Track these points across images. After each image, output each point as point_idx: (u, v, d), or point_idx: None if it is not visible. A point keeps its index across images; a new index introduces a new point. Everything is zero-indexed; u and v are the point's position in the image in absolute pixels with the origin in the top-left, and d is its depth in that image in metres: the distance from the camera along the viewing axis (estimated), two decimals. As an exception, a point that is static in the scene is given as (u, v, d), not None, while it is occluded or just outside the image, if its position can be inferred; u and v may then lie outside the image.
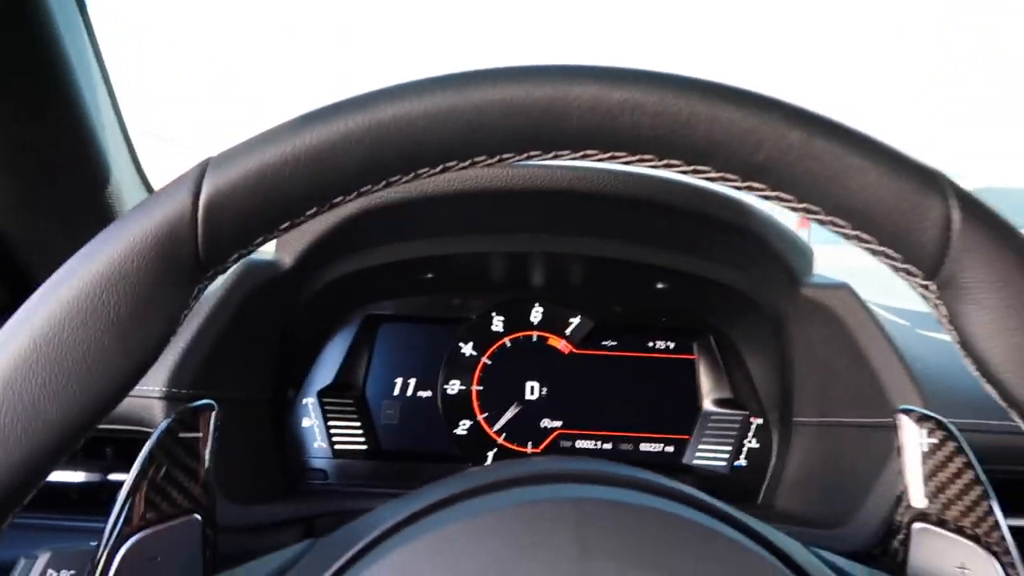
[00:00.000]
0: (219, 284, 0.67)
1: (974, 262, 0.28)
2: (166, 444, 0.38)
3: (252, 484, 0.71)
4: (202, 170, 0.29)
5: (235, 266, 0.64)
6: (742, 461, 0.81)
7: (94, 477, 0.66)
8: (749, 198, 0.64)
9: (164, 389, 0.62)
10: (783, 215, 0.66)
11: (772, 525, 0.68)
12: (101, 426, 0.66)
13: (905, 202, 0.28)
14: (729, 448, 0.82)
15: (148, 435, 0.64)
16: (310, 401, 0.82)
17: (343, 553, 0.29)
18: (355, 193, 0.29)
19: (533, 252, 0.78)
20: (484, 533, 0.28)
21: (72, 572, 0.43)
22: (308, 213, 0.29)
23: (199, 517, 0.39)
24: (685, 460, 0.83)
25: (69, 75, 0.70)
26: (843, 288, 0.67)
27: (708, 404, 0.84)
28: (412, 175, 0.29)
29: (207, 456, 0.39)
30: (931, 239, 0.28)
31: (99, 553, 0.37)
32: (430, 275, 0.81)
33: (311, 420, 0.82)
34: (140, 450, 0.67)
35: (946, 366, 0.65)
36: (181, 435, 0.39)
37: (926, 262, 0.28)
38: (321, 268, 0.74)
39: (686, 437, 0.83)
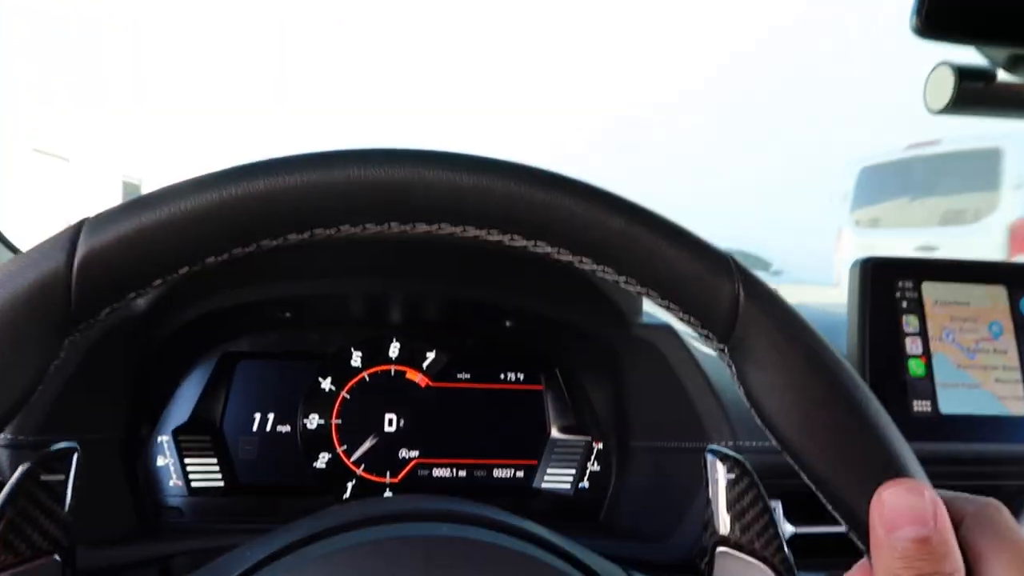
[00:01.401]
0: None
1: (754, 332, 0.34)
2: (26, 486, 0.39)
3: (105, 526, 0.70)
4: (77, 230, 0.31)
5: None
6: (585, 483, 0.88)
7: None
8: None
9: (9, 437, 0.61)
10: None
11: (609, 542, 0.74)
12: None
13: (702, 281, 0.34)
14: (573, 471, 0.89)
15: (-11, 483, 0.62)
16: (164, 439, 0.82)
17: None
18: (226, 254, 0.32)
19: (391, 293, 0.82)
20: (340, 571, 0.31)
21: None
22: (180, 271, 0.32)
23: (58, 558, 0.39)
24: (534, 484, 0.89)
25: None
26: (667, 328, 0.76)
27: (555, 431, 0.90)
28: (281, 240, 0.33)
29: (68, 497, 0.40)
30: (723, 312, 0.34)
31: None
32: (288, 314, 0.83)
33: (166, 458, 0.82)
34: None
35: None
36: (43, 478, 0.39)
37: (719, 330, 0.35)
38: (176, 310, 0.75)
39: (535, 462, 0.89)
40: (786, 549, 0.46)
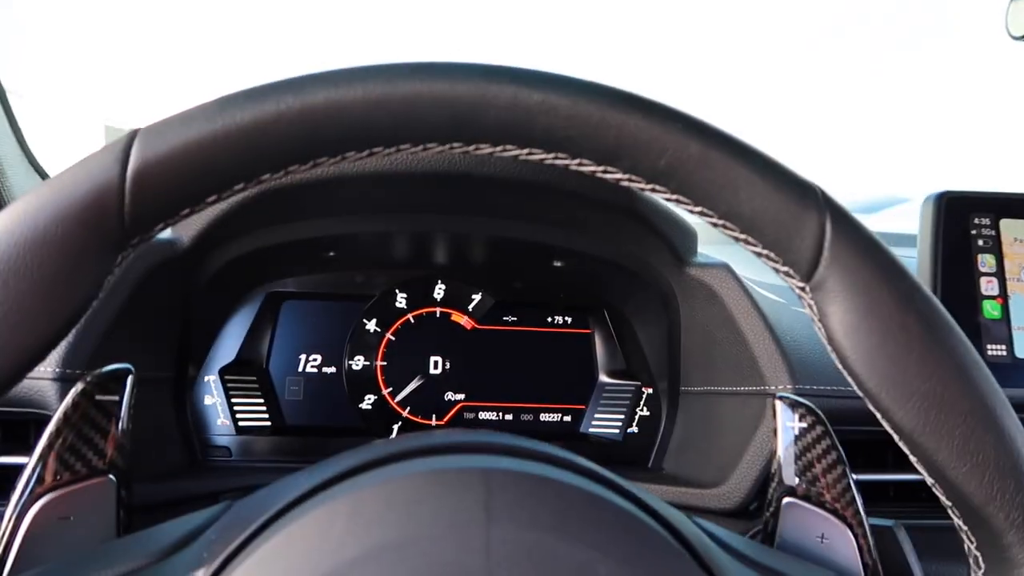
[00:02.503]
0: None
1: (841, 270, 0.31)
2: (81, 405, 0.39)
3: (154, 462, 0.70)
4: (130, 140, 0.29)
5: None
6: (634, 428, 0.87)
7: (-18, 460, 0.65)
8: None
9: (58, 370, 0.61)
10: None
11: (660, 488, 0.73)
12: (-8, 408, 0.64)
13: (786, 212, 0.31)
14: (622, 417, 0.87)
15: (40, 417, 0.63)
16: (211, 379, 0.82)
17: (259, 515, 0.30)
18: (282, 171, 0.31)
19: (435, 232, 0.80)
20: (396, 498, 0.29)
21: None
22: (235, 188, 0.30)
23: (113, 478, 0.39)
24: (582, 429, 0.87)
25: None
26: (723, 268, 0.72)
27: (603, 375, 0.88)
28: (339, 158, 0.31)
29: (124, 418, 0.40)
30: (807, 248, 0.31)
31: (9, 512, 0.37)
32: (332, 253, 0.82)
33: (213, 398, 0.82)
34: (32, 432, 0.66)
35: (813, 338, 0.71)
36: (98, 398, 0.39)
37: (802, 267, 0.32)
38: (221, 247, 0.74)
39: (582, 407, 0.88)
40: (859, 500, 0.44)
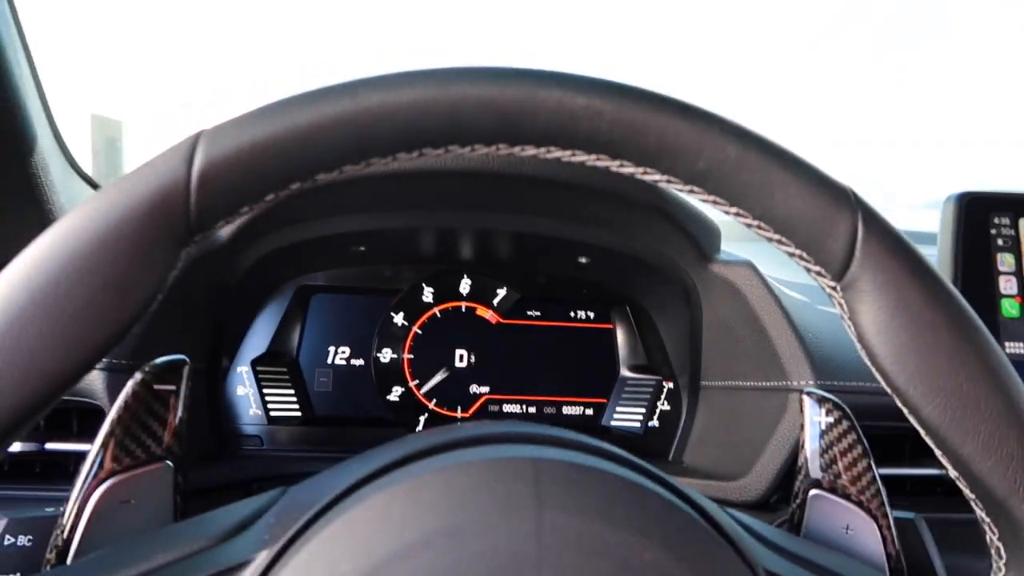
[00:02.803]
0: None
1: (872, 269, 0.32)
2: (140, 395, 0.41)
3: (189, 448, 0.73)
4: (195, 141, 0.31)
5: None
6: (655, 422, 0.88)
7: (30, 447, 0.67)
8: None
9: (105, 360, 0.63)
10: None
11: (680, 481, 0.74)
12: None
13: (820, 214, 0.32)
14: (643, 410, 0.88)
15: (85, 405, 0.65)
16: (244, 370, 0.84)
17: (318, 500, 0.32)
18: (337, 171, 0.32)
19: (462, 227, 0.81)
20: (452, 485, 0.31)
21: (30, 537, 0.45)
22: (292, 188, 0.32)
23: (171, 464, 0.41)
24: (603, 422, 0.89)
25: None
26: (747, 265, 0.74)
27: (625, 370, 0.90)
28: (391, 158, 0.32)
29: (180, 407, 0.42)
30: (839, 248, 0.32)
31: (74, 496, 0.39)
32: (362, 248, 0.84)
33: (245, 388, 0.84)
34: (74, 420, 0.68)
35: (835, 335, 0.72)
36: (156, 387, 0.41)
37: (834, 267, 0.33)
38: (255, 242, 0.76)
39: (604, 401, 0.89)
40: (883, 494, 0.45)
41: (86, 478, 0.40)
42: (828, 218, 0.33)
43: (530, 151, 0.33)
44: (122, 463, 0.41)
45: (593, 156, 0.33)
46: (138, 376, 0.42)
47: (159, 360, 0.43)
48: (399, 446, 0.34)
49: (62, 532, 0.40)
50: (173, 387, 0.42)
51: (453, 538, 0.29)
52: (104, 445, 0.41)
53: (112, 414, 0.41)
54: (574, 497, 0.31)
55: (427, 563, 0.29)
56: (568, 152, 0.33)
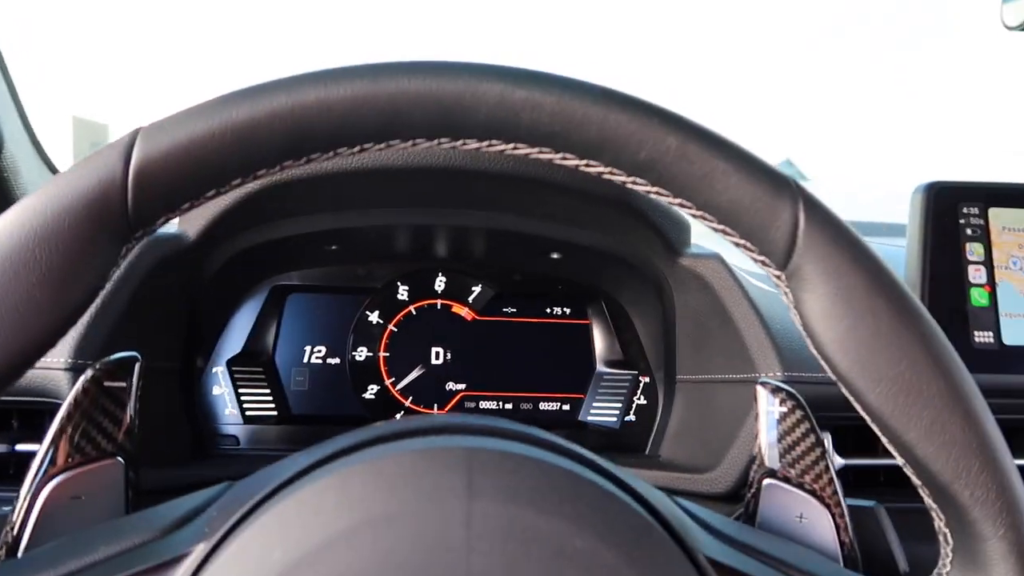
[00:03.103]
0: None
1: (814, 258, 0.32)
2: (91, 391, 0.41)
3: (165, 450, 0.73)
4: (133, 138, 0.31)
5: None
6: (631, 417, 0.88)
7: (1, 448, 0.67)
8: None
9: (70, 360, 0.63)
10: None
11: (655, 474, 0.74)
12: (7, 397, 0.67)
13: (761, 203, 0.32)
14: (619, 405, 0.89)
15: (54, 406, 0.65)
16: (219, 369, 0.84)
17: (256, 493, 0.32)
18: (278, 167, 0.32)
19: (436, 225, 0.82)
20: (384, 475, 0.31)
21: (-15, 535, 0.45)
22: (233, 183, 0.32)
23: (122, 460, 0.41)
24: (580, 417, 0.89)
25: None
26: (715, 258, 0.74)
27: (601, 365, 0.90)
28: (332, 153, 0.32)
29: (131, 403, 0.42)
30: (782, 236, 0.32)
31: (24, 491, 0.39)
32: (335, 247, 0.84)
33: (221, 388, 0.84)
34: (46, 421, 0.69)
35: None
36: (106, 384, 0.41)
37: (777, 256, 0.33)
38: (226, 241, 0.76)
39: (581, 396, 0.89)
40: (836, 482, 0.45)
41: (35, 475, 0.40)
42: (770, 207, 0.33)
43: (472, 145, 0.33)
44: (73, 459, 0.41)
45: (535, 149, 0.33)
46: (88, 373, 0.42)
47: (111, 357, 0.43)
48: (338, 441, 0.34)
49: (11, 529, 0.40)
50: (124, 384, 0.42)
51: (382, 526, 0.29)
52: (54, 442, 0.41)
53: (62, 411, 0.41)
54: (505, 485, 0.31)
55: (357, 551, 0.29)
56: (510, 145, 0.33)
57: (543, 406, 0.89)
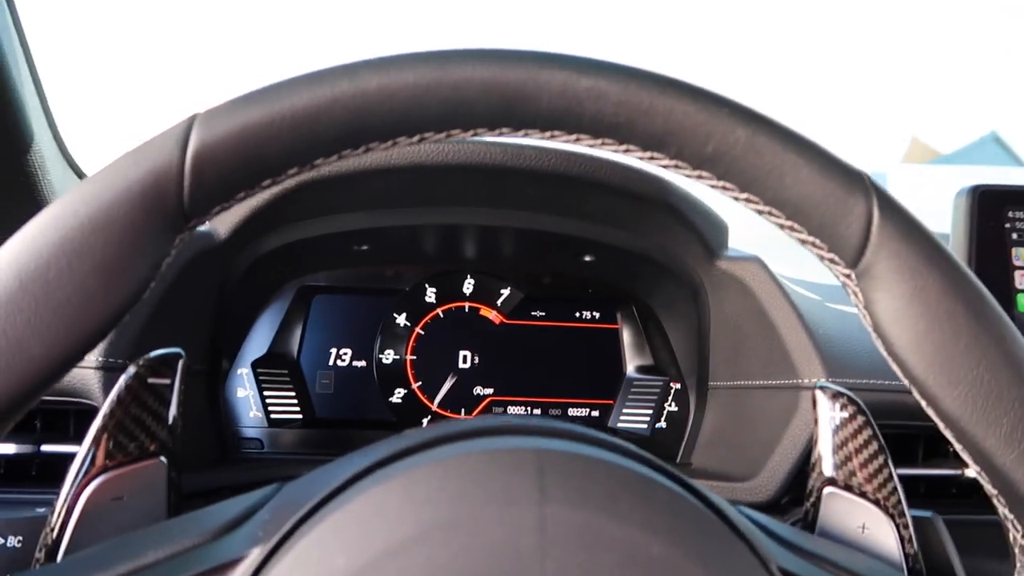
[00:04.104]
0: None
1: (889, 256, 0.31)
2: (134, 388, 0.39)
3: (188, 452, 0.71)
4: (189, 124, 0.30)
5: None
6: (662, 423, 0.87)
7: (26, 449, 0.66)
8: (669, 174, 0.68)
9: (101, 359, 0.62)
10: (701, 192, 0.70)
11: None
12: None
13: (832, 199, 0.31)
14: (650, 412, 0.87)
15: (80, 406, 0.64)
16: (244, 372, 0.83)
17: (313, 495, 0.31)
18: (335, 156, 0.31)
19: (465, 225, 0.80)
20: (450, 477, 0.30)
21: (20, 538, 0.44)
22: (290, 172, 0.31)
23: (164, 460, 0.40)
24: (610, 423, 0.87)
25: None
26: (755, 261, 0.72)
27: (631, 371, 0.88)
28: (391, 143, 0.31)
29: (175, 402, 0.41)
30: (853, 234, 0.31)
31: (64, 492, 0.38)
32: (364, 247, 0.83)
33: (246, 390, 0.83)
34: (71, 421, 0.67)
35: (846, 331, 0.71)
36: (150, 381, 0.40)
37: (848, 254, 0.32)
38: (255, 240, 0.75)
39: (611, 402, 0.88)
40: (900, 491, 0.44)
41: (76, 475, 0.39)
42: (842, 202, 0.31)
43: (534, 135, 0.32)
44: (114, 459, 0.40)
45: (599, 140, 0.32)
46: (132, 370, 0.40)
47: (153, 353, 0.42)
48: (397, 440, 0.33)
49: (51, 531, 0.39)
50: (167, 381, 0.41)
51: (451, 531, 0.28)
52: (96, 441, 0.39)
53: (104, 408, 0.40)
54: (578, 490, 0.29)
55: (424, 558, 0.28)
56: (573, 136, 0.32)
57: (572, 412, 0.88)
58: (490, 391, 0.87)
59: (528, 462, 0.30)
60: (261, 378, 0.83)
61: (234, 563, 0.31)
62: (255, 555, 0.30)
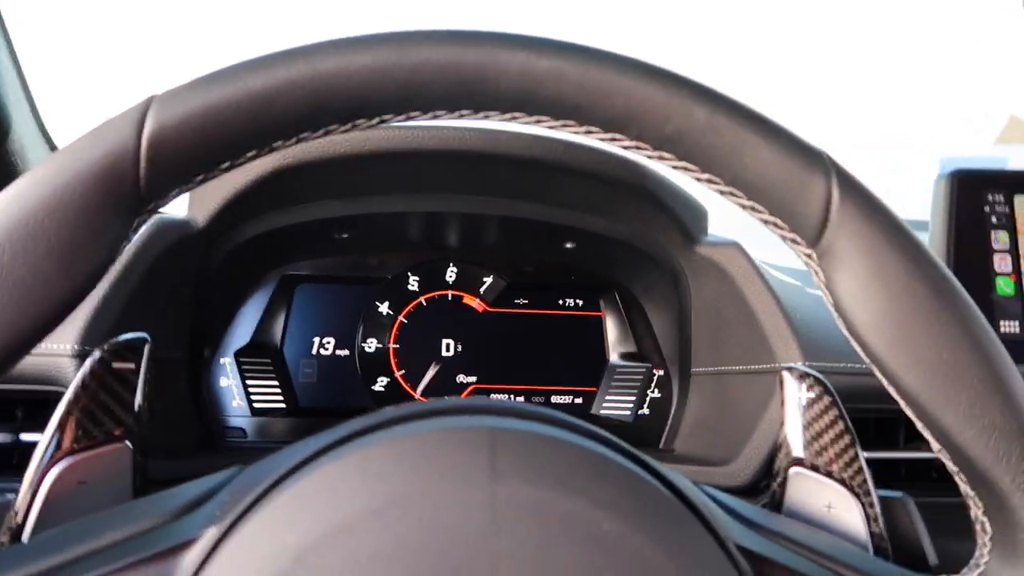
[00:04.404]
0: (131, 242, 0.67)
1: (848, 235, 0.31)
2: (98, 373, 0.39)
3: (170, 440, 0.72)
4: (146, 106, 0.30)
5: (146, 225, 0.64)
6: (645, 410, 0.87)
7: (5, 438, 0.66)
8: (648, 160, 0.68)
9: (76, 347, 0.62)
10: (679, 177, 0.70)
11: (670, 467, 0.73)
12: (11, 386, 0.66)
13: (793, 178, 0.31)
14: (633, 398, 0.87)
15: (59, 394, 0.64)
16: (227, 361, 0.83)
17: (269, 475, 0.31)
18: (294, 139, 0.31)
19: (447, 212, 0.80)
20: (403, 455, 0.30)
21: (-11, 523, 0.44)
22: (248, 155, 0.31)
23: (129, 444, 0.40)
24: (593, 411, 0.88)
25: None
26: (733, 246, 0.72)
27: (614, 358, 0.89)
28: (350, 125, 0.31)
29: (140, 386, 0.41)
30: (814, 213, 0.31)
31: (29, 476, 0.38)
32: (346, 235, 0.83)
33: (228, 379, 0.83)
34: (52, 410, 0.67)
35: (823, 316, 0.71)
36: (114, 365, 0.40)
37: (809, 233, 0.32)
38: (235, 227, 0.75)
39: (594, 389, 0.88)
40: (866, 471, 0.44)
41: (41, 459, 0.39)
42: (802, 182, 0.31)
43: (495, 117, 0.32)
44: (79, 443, 0.40)
45: (559, 122, 0.32)
46: (96, 354, 0.40)
47: (118, 338, 0.42)
48: (353, 423, 0.33)
49: (16, 514, 0.39)
50: (132, 366, 0.41)
51: (403, 508, 0.28)
52: (61, 425, 0.40)
53: (69, 393, 0.40)
54: (530, 467, 0.30)
55: (375, 535, 0.28)
56: (533, 118, 0.32)
57: (555, 399, 0.88)
58: (473, 379, 0.87)
59: (480, 440, 0.30)
60: (244, 367, 0.83)
61: (190, 543, 0.31)
62: (210, 535, 0.30)
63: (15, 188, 0.29)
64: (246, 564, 0.29)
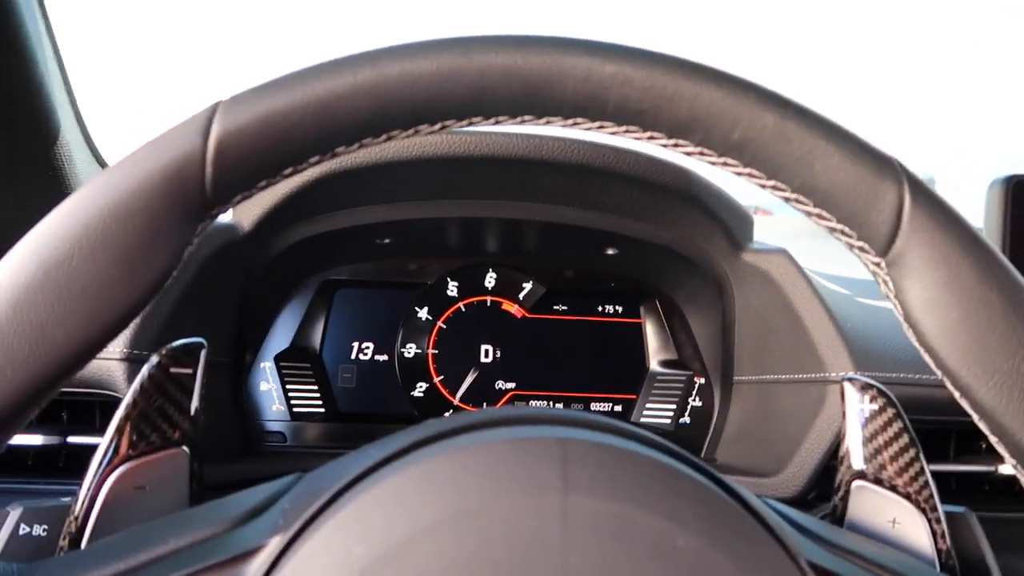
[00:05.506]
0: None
1: (920, 243, 0.30)
2: (156, 378, 0.39)
3: (212, 444, 0.72)
4: (212, 112, 0.30)
5: None
6: (686, 419, 0.86)
7: (52, 440, 0.67)
8: (694, 165, 0.67)
9: (125, 351, 0.62)
10: (727, 183, 0.69)
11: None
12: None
13: (863, 185, 0.30)
14: (674, 407, 0.86)
15: (105, 398, 0.64)
16: (267, 365, 0.83)
17: (333, 484, 0.30)
18: (357, 144, 0.31)
19: (488, 218, 0.80)
20: (472, 465, 0.29)
21: (44, 527, 0.44)
22: (311, 160, 0.31)
23: (187, 450, 0.40)
24: (633, 418, 0.87)
25: (16, 26, 0.69)
26: (781, 253, 0.71)
27: (654, 365, 0.88)
28: (412, 131, 0.31)
29: (197, 392, 0.41)
30: (884, 221, 0.30)
31: (87, 481, 0.38)
32: (387, 240, 0.83)
33: (268, 384, 0.83)
34: (97, 413, 0.68)
35: (874, 325, 0.69)
36: (172, 370, 0.40)
37: (878, 241, 0.31)
38: (278, 232, 0.75)
39: (633, 397, 0.87)
40: (932, 485, 0.43)
41: (100, 464, 0.39)
42: (872, 189, 0.30)
43: (556, 123, 0.32)
44: (137, 449, 0.40)
45: (622, 128, 0.32)
46: (154, 359, 0.40)
47: (176, 343, 0.42)
48: (417, 430, 0.33)
49: (75, 519, 0.39)
50: (190, 371, 0.41)
51: (472, 520, 0.28)
52: (119, 430, 0.40)
53: (127, 398, 0.40)
54: (602, 479, 0.29)
55: (444, 546, 0.27)
56: (596, 124, 0.32)
57: (594, 406, 0.87)
58: (512, 385, 0.86)
59: (551, 450, 0.30)
60: (284, 372, 0.84)
61: (254, 551, 0.30)
62: (275, 543, 0.30)
63: (82, 195, 0.29)
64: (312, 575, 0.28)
